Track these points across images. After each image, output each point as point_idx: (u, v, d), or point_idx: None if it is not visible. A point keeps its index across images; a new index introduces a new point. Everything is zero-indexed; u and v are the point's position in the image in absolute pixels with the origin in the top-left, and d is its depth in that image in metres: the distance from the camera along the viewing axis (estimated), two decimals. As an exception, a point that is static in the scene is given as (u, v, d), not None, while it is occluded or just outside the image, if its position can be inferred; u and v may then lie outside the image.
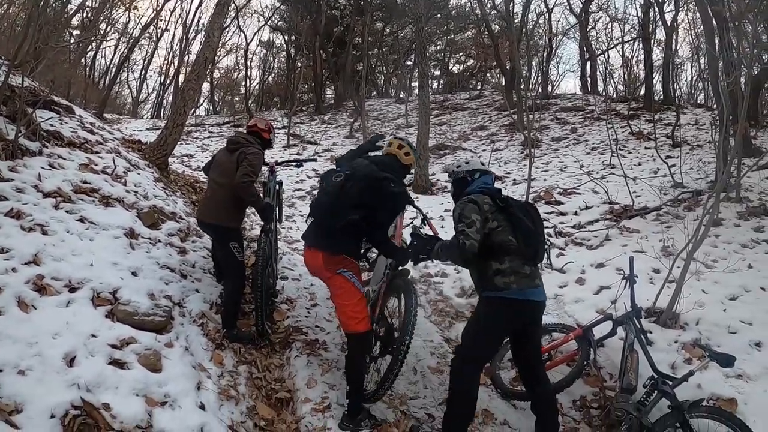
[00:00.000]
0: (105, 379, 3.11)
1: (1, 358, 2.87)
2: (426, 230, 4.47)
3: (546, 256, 3.66)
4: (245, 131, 5.24)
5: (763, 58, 8.80)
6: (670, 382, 3.72)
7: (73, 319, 3.49)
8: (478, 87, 31.93)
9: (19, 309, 3.34)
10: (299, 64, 30.59)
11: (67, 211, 4.75)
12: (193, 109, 19.45)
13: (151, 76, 48.46)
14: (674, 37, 19.50)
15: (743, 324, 4.75)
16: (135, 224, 5.24)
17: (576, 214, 8.53)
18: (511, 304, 3.51)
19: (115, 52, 30.70)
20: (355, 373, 3.82)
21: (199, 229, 5.93)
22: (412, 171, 4.21)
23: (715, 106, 12.56)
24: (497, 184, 11.15)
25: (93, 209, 5.04)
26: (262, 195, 5.33)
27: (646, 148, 12.67)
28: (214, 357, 4.15)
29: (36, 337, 3.15)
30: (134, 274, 4.45)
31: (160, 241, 5.31)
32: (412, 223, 5.05)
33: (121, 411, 2.95)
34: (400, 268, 4.31)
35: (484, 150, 15.55)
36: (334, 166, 4.42)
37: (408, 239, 4.33)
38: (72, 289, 3.81)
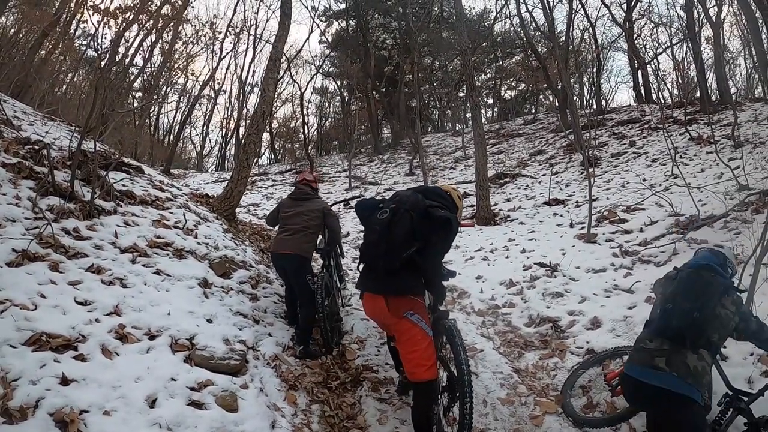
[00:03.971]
0: (185, 419, 3.24)
1: (87, 400, 3.04)
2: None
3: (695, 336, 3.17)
4: (302, 183, 5.99)
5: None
6: (746, 398, 3.49)
7: (153, 364, 3.67)
8: (532, 111, 31.99)
9: (103, 356, 3.53)
10: (354, 106, 31.76)
11: (143, 265, 5.02)
12: (255, 160, 20.22)
13: (212, 130, 50.90)
14: (721, 33, 19.12)
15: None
16: (208, 274, 5.51)
17: (641, 230, 8.26)
18: (624, 379, 3.41)
19: (176, 111, 32.80)
20: (425, 424, 3.62)
21: (268, 275, 6.34)
22: (459, 217, 4.05)
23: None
24: (558, 209, 11.21)
25: (168, 262, 5.32)
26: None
27: (707, 153, 12.17)
28: (287, 397, 4.23)
29: (119, 381, 3.32)
30: (209, 321, 4.64)
31: (232, 289, 5.54)
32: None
33: (201, 449, 3.05)
34: (440, 308, 4.10)
35: (543, 174, 15.39)
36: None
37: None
38: (152, 337, 4.01)
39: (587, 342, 5.14)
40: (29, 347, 3.31)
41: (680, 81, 21.96)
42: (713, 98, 17.03)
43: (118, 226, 5.54)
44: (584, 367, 4.64)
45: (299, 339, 5.21)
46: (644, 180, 11.59)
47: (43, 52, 16.70)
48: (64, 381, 3.13)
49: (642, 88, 24.68)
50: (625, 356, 4.44)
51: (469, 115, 28.44)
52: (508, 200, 13.64)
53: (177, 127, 30.69)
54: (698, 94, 18.32)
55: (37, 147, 6.50)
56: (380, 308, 3.64)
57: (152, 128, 30.38)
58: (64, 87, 21.46)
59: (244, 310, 5.23)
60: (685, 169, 10.31)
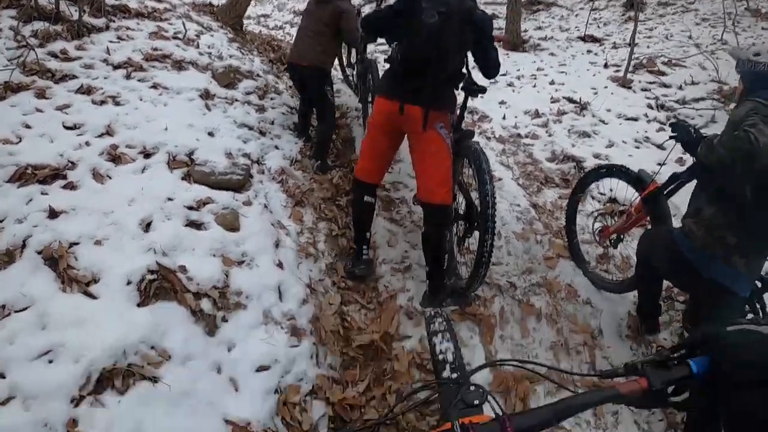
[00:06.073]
0: (181, 242, 3.09)
1: (77, 232, 2.87)
2: None
3: None
4: None
5: None
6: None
7: (148, 184, 3.46)
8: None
9: (95, 181, 3.33)
10: None
11: (138, 80, 4.70)
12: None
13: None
14: None
15: None
16: (210, 85, 5.17)
17: (681, 88, 7.60)
18: (683, 264, 2.72)
19: None
20: (438, 250, 3.44)
21: (277, 86, 6.09)
22: None
23: None
24: (593, 47, 10.44)
25: (166, 74, 4.98)
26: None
27: (762, 28, 10.85)
28: (293, 214, 4.09)
29: (112, 207, 3.14)
30: (211, 134, 4.37)
31: (237, 100, 5.23)
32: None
33: (197, 272, 2.92)
34: (464, 128, 3.79)
35: (581, 8, 14.06)
36: None
37: None
38: (147, 155, 3.77)
39: (610, 190, 4.78)
40: (14, 183, 3.10)
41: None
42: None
43: (111, 42, 5.15)
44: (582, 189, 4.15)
45: (316, 153, 5.11)
46: (690, 37, 10.53)
47: None
48: (53, 214, 2.95)
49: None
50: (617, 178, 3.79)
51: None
52: (539, 28, 12.65)
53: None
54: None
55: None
56: (414, 118, 3.29)
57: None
58: None
59: (249, 122, 4.95)
60: (735, 39, 9.33)
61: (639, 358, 1.09)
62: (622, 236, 3.79)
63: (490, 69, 3.50)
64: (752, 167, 2.34)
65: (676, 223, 3.09)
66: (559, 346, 3.39)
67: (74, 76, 4.39)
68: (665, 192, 3.29)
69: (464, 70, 3.48)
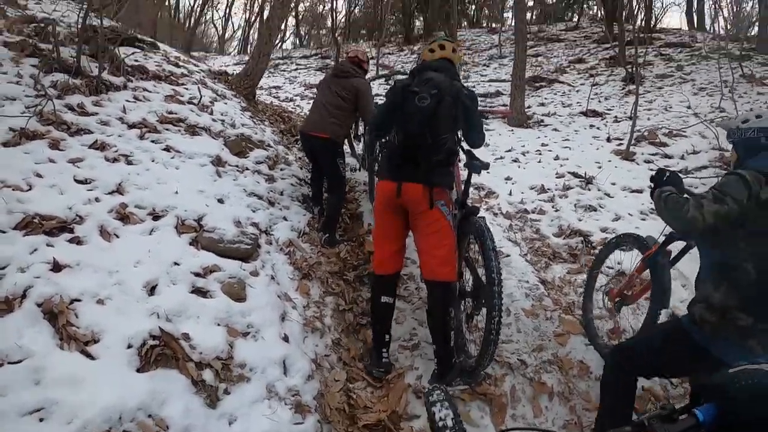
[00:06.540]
0: (186, 308, 2.98)
1: (80, 288, 2.77)
2: None
3: None
4: (348, 61, 5.55)
5: None
6: None
7: (156, 247, 3.38)
8: (574, 18, 29.83)
9: (101, 238, 3.25)
10: (386, -6, 30.02)
11: (152, 141, 4.71)
12: (279, 43, 19.35)
13: (235, 13, 49.68)
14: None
15: None
16: (222, 152, 5.17)
17: (683, 158, 7.74)
18: (691, 344, 2.49)
19: (197, -8, 31.30)
20: (443, 327, 3.40)
21: (287, 157, 6.12)
22: None
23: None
24: (595, 121, 10.56)
25: (179, 138, 4.99)
26: None
27: (758, 93, 11.12)
28: (300, 287, 3.98)
29: (117, 266, 3.04)
30: (220, 201, 4.33)
31: (247, 169, 5.23)
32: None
33: (201, 341, 2.81)
34: (470, 203, 3.80)
35: (582, 84, 14.48)
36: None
37: None
38: (156, 217, 3.70)
39: (618, 263, 4.57)
40: (20, 231, 3.01)
41: (734, 17, 20.43)
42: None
43: (127, 101, 5.19)
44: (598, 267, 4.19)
45: (325, 226, 5.06)
46: (689, 107, 10.76)
47: None
48: (56, 267, 2.85)
49: (695, 14, 22.99)
50: (627, 249, 3.89)
51: (507, 14, 27.08)
52: (542, 104, 12.91)
53: (198, 9, 29.69)
54: (755, 31, 16.84)
55: (43, 24, 6.04)
56: (414, 197, 3.35)
57: (172, 11, 29.43)
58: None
59: (259, 191, 4.93)
60: (732, 106, 9.64)
61: (644, 416, 1.12)
62: (625, 300, 3.76)
63: (475, 142, 3.67)
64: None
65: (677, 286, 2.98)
66: (572, 425, 3.27)
67: (89, 131, 4.39)
68: (671, 259, 3.36)
69: (458, 148, 3.60)
